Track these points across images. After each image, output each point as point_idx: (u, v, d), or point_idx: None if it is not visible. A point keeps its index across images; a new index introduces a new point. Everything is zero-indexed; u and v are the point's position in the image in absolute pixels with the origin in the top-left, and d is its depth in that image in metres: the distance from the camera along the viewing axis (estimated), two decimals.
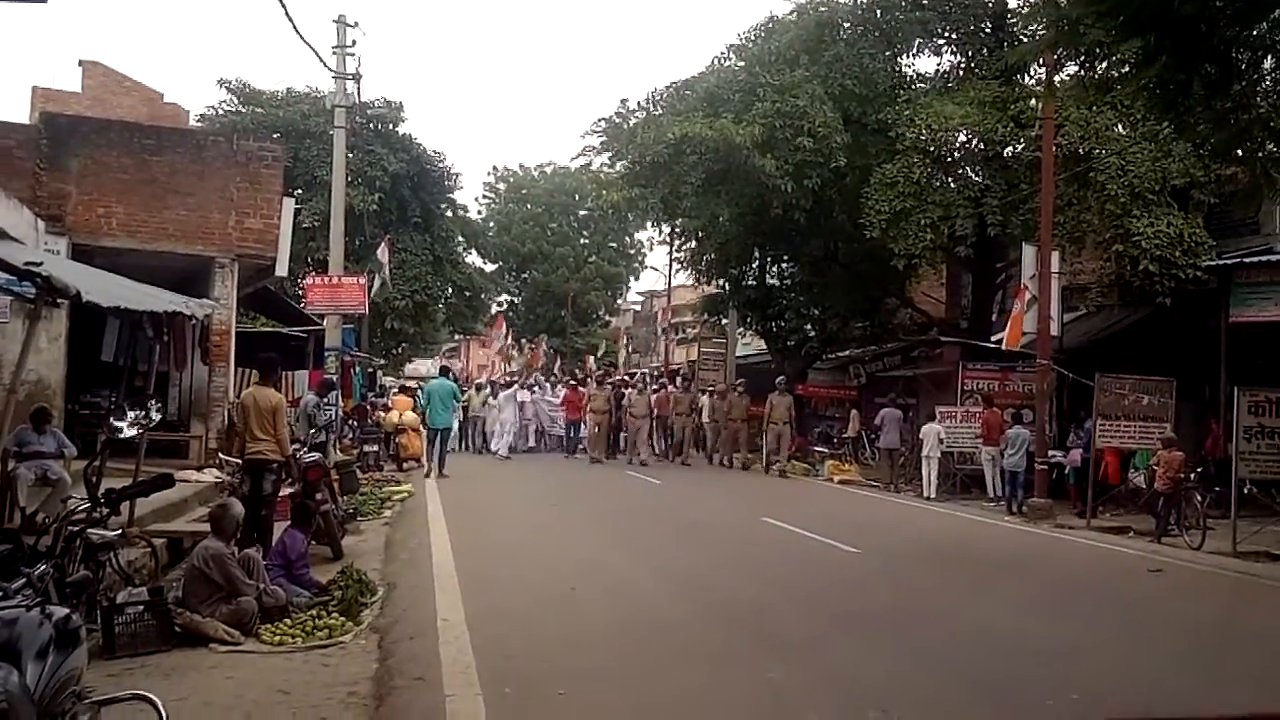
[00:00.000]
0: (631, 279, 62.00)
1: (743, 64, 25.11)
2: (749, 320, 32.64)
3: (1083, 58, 17.81)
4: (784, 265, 31.20)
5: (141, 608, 7.30)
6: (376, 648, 7.64)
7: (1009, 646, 8.36)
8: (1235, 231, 19.26)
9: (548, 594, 9.90)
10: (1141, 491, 16.96)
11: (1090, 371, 17.36)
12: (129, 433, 7.56)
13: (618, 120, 26.36)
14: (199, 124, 31.67)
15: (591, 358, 53.15)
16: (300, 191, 30.83)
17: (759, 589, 10.69)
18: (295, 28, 33.21)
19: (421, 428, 22.20)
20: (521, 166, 60.70)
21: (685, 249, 34.38)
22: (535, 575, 10.98)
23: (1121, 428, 16.97)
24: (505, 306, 59.34)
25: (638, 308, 65.40)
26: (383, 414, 24.02)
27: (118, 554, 7.70)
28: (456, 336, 60.85)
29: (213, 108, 35.38)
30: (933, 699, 6.89)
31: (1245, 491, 14.83)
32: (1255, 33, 8.85)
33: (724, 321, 36.06)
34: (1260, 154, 10.26)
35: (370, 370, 33.63)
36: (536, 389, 29.00)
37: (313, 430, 14.99)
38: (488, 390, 28.71)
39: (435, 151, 38.58)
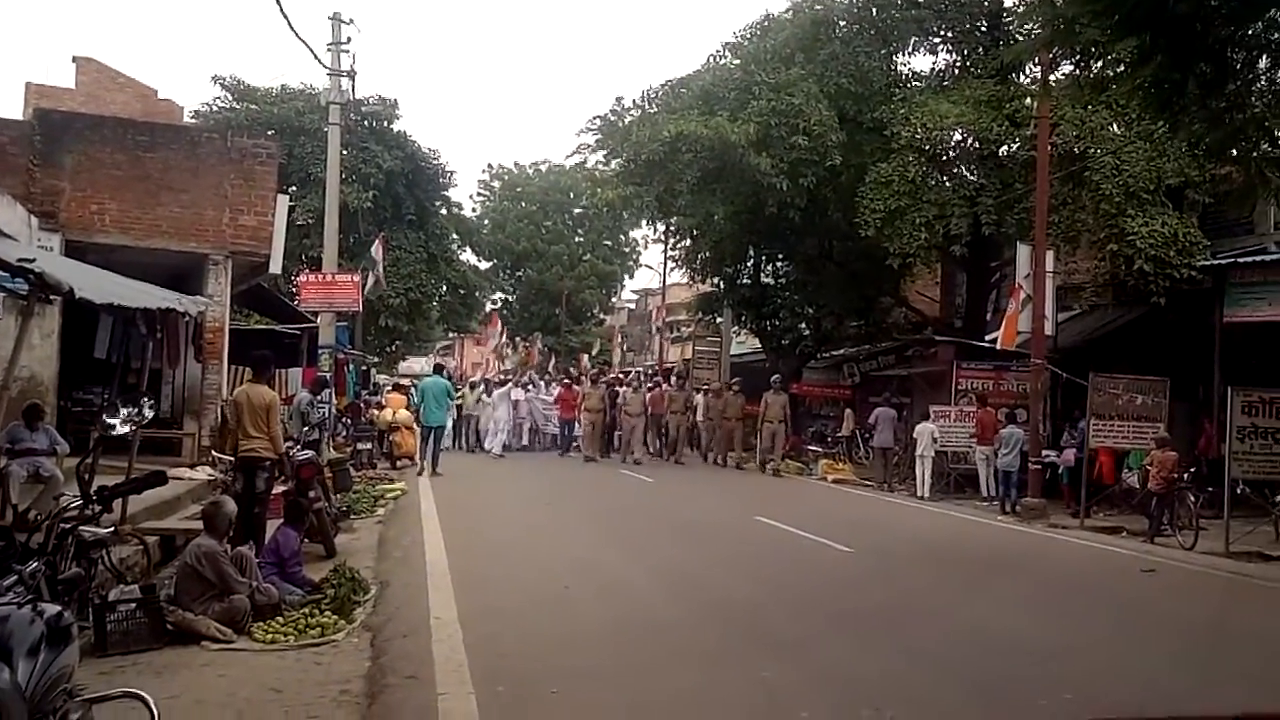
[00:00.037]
0: (626, 277, 62.10)
1: (738, 62, 25.11)
2: (744, 319, 32.65)
3: (1078, 57, 17.69)
4: (779, 264, 31.20)
5: (134, 605, 7.28)
6: (369, 646, 7.63)
7: (1002, 646, 8.37)
8: (1230, 231, 19.30)
9: (541, 592, 9.89)
10: (1135, 491, 16.98)
11: (1084, 371, 17.38)
12: (121, 430, 7.55)
13: (613, 118, 26.34)
14: (193, 120, 31.55)
15: (586, 356, 53.16)
16: (294, 188, 30.71)
17: (753, 588, 10.69)
18: (290, 24, 33.24)
19: (415, 426, 22.17)
20: (516, 164, 60.76)
21: (680, 247, 34.38)
22: (529, 574, 10.97)
23: (1115, 427, 17.00)
24: (500, 305, 59.33)
25: (632, 306, 65.43)
26: (376, 412, 24.00)
27: (110, 551, 7.67)
28: (451, 334, 60.84)
29: (207, 104, 35.32)
30: (926, 698, 6.89)
31: (1238, 492, 14.85)
32: (1250, 32, 8.85)
33: (719, 320, 36.06)
34: (1255, 154, 10.27)
35: (364, 368, 33.61)
36: (531, 387, 28.97)
37: (306, 428, 14.96)
38: (481, 388, 28.66)
39: (430, 149, 38.58)
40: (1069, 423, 19.43)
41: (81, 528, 6.56)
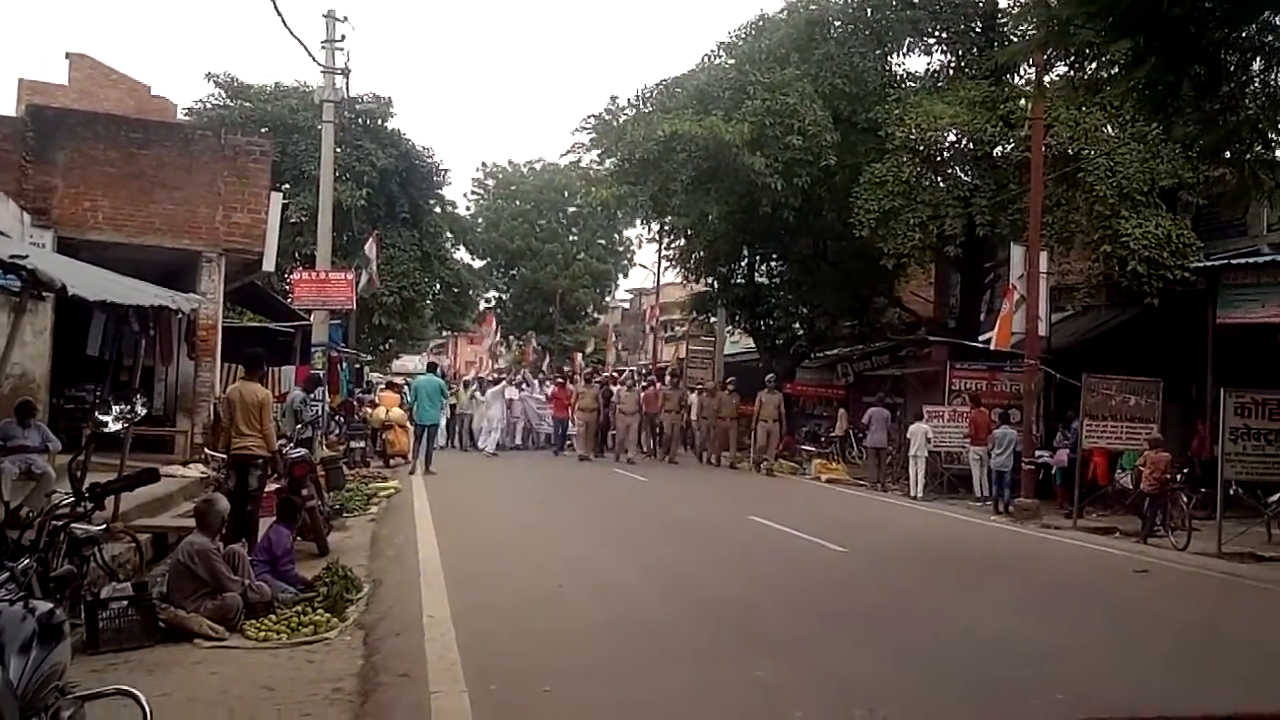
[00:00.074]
0: (620, 276, 62.03)
1: (733, 62, 25.12)
2: (737, 318, 32.65)
3: (1072, 58, 17.66)
4: (773, 263, 31.21)
5: (126, 603, 7.27)
6: (362, 644, 7.62)
7: (995, 646, 8.38)
8: (1223, 233, 19.34)
9: (534, 591, 9.89)
10: (1128, 492, 17.01)
11: (1077, 372, 17.41)
12: (114, 427, 7.52)
13: (607, 117, 26.31)
14: (186, 118, 31.50)
15: (579, 355, 53.14)
16: (288, 186, 30.70)
17: (746, 587, 10.69)
18: (284, 22, 32.97)
19: (409, 424, 22.14)
20: (510, 163, 60.58)
21: (674, 246, 34.39)
22: (522, 572, 10.96)
23: (1108, 428, 17.02)
24: (493, 303, 59.25)
25: (626, 305, 65.36)
26: (369, 410, 23.97)
27: (102, 549, 7.66)
28: (444, 333, 60.74)
29: (200, 101, 35.23)
30: (919, 698, 6.89)
31: (1231, 493, 14.88)
32: (1244, 34, 8.88)
33: (712, 319, 36.04)
34: (1248, 156, 10.30)
35: (357, 366, 33.56)
36: (525, 386, 28.95)
37: (299, 426, 14.95)
38: (475, 387, 28.64)
39: (424, 147, 38.56)
40: (1062, 423, 19.48)
41: (74, 525, 6.54)
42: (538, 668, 7.18)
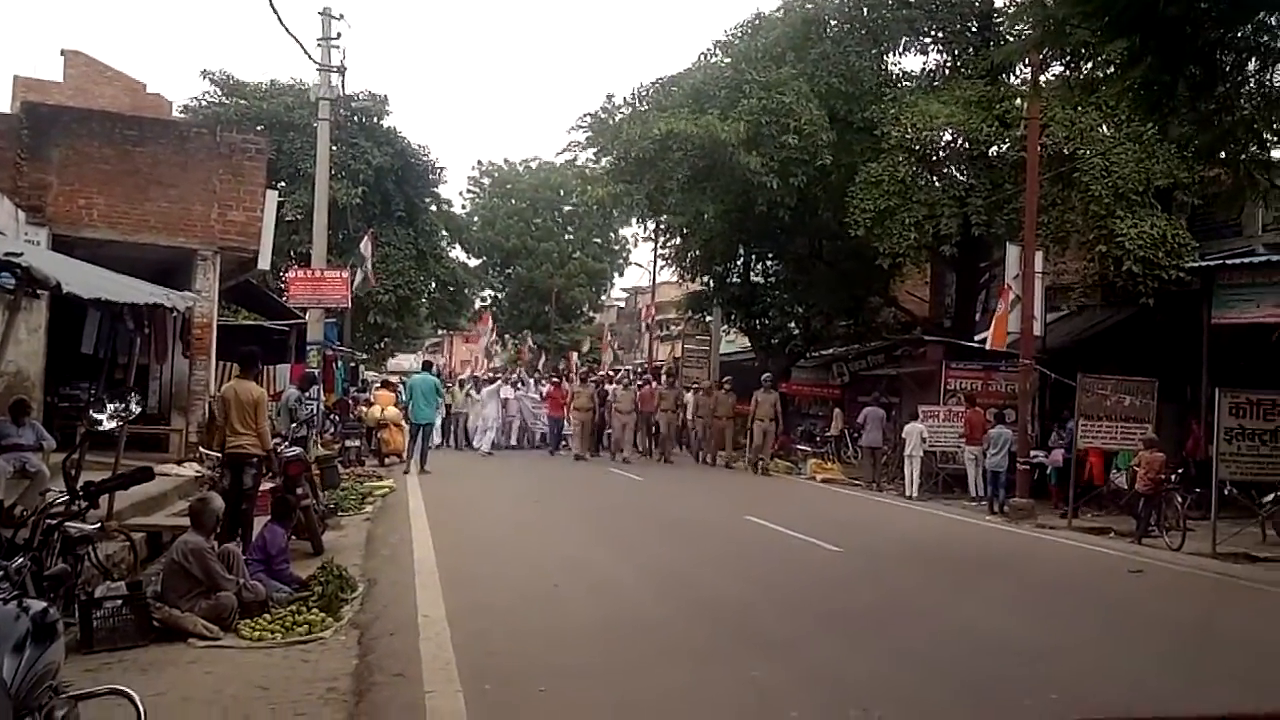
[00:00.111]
0: (616, 275, 62.01)
1: (729, 60, 25.14)
2: (733, 317, 32.67)
3: (1068, 58, 17.75)
4: (768, 263, 31.24)
5: (120, 602, 7.26)
6: (356, 644, 7.60)
7: (990, 646, 8.38)
8: (1218, 233, 19.38)
9: (529, 591, 9.88)
10: (1122, 492, 17.03)
11: (1073, 372, 17.43)
12: (108, 425, 7.52)
13: (603, 116, 26.31)
14: (182, 115, 31.44)
15: (575, 354, 53.11)
16: (283, 184, 30.71)
17: (742, 587, 10.69)
18: (280, 19, 32.98)
19: (404, 423, 22.12)
20: (506, 161, 60.62)
21: (670, 245, 34.39)
22: (517, 572, 10.95)
23: (1103, 428, 17.04)
24: (489, 302, 59.21)
25: (622, 304, 65.35)
26: (365, 409, 23.94)
27: (96, 547, 7.63)
28: (440, 331, 60.70)
29: (196, 99, 35.25)
30: (914, 698, 6.90)
31: (1225, 493, 14.90)
32: (1240, 35, 8.88)
33: (708, 319, 36.07)
34: (1243, 156, 10.29)
35: (352, 365, 33.52)
36: (520, 385, 28.92)
37: (294, 424, 14.93)
38: (470, 386, 28.61)
39: (420, 145, 38.63)
40: (1057, 423, 19.50)
41: (68, 523, 6.51)
42: (533, 667, 7.18)
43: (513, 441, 27.69)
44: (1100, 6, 8.17)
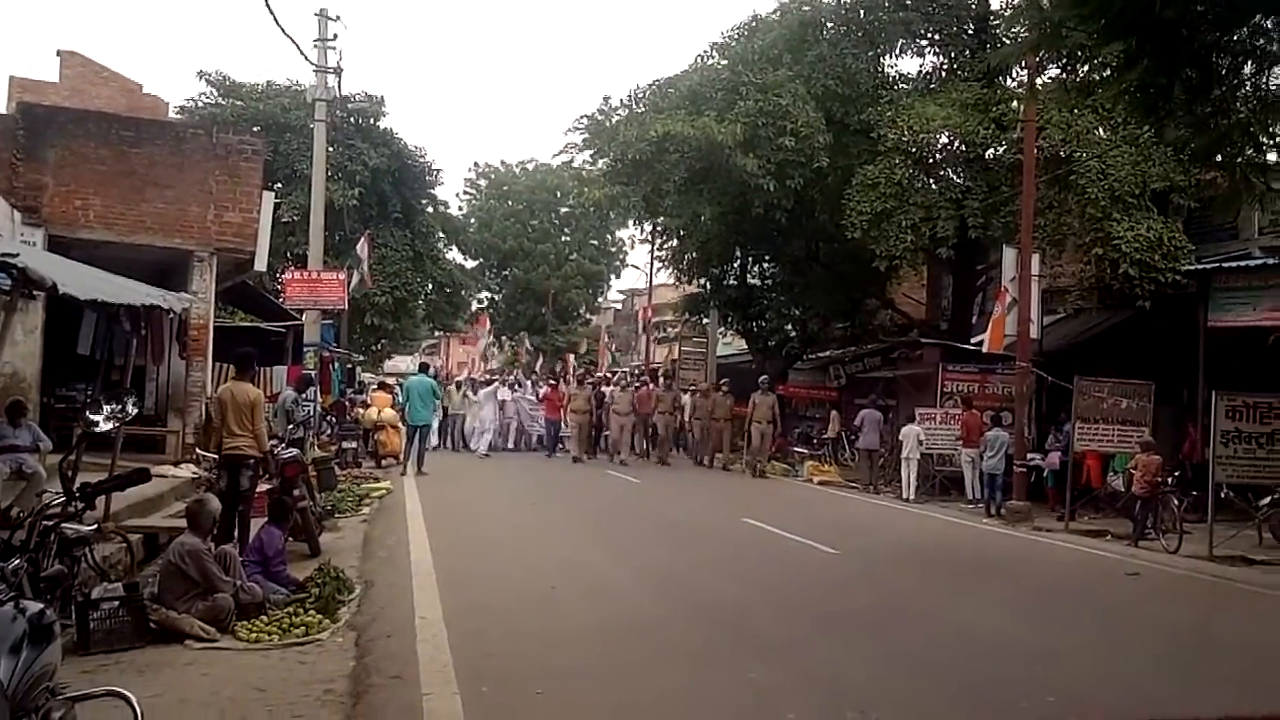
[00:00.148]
0: (612, 277, 62.03)
1: (726, 62, 25.14)
2: (730, 320, 32.66)
3: (1064, 61, 17.91)
4: (765, 265, 31.24)
5: (117, 603, 7.25)
6: (353, 645, 7.60)
7: (987, 649, 8.39)
8: (1214, 236, 19.40)
9: (527, 592, 9.88)
10: (1119, 495, 17.04)
11: (1069, 374, 17.43)
12: (105, 426, 7.51)
13: (600, 117, 26.31)
14: (178, 116, 31.38)
15: (572, 356, 53.13)
16: (280, 185, 30.62)
17: (739, 589, 10.70)
18: (276, 20, 32.95)
19: (400, 424, 22.11)
20: (503, 163, 60.57)
21: (667, 247, 34.39)
22: (514, 573, 10.96)
23: (1100, 431, 17.04)
24: (486, 304, 59.20)
25: (619, 306, 65.37)
26: (361, 410, 23.92)
27: (93, 549, 7.62)
28: (436, 333, 60.68)
29: (192, 100, 35.12)
30: (911, 700, 6.90)
31: (1222, 496, 14.90)
32: (1236, 38, 8.90)
33: (705, 321, 36.08)
34: (1240, 159, 10.31)
35: (349, 366, 33.52)
36: (518, 387, 28.92)
37: (291, 426, 14.91)
38: (467, 387, 28.61)
39: (416, 147, 38.52)
40: (1054, 426, 19.50)
41: (64, 525, 6.52)
42: (530, 669, 7.18)
43: (510, 444, 27.68)
44: (1097, 9, 8.18)
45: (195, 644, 7.34)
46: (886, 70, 25.01)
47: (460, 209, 55.80)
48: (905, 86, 24.29)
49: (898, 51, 24.76)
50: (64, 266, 10.69)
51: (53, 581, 6.11)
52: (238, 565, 8.28)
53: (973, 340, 22.38)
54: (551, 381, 30.42)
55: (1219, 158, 11.03)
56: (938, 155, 22.22)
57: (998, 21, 23.46)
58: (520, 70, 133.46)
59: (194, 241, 16.27)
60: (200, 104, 34.87)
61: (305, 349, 22.92)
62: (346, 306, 26.03)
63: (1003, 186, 20.85)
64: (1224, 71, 9.17)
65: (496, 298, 60.40)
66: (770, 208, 23.45)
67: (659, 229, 34.15)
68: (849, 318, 28.79)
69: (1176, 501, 14.88)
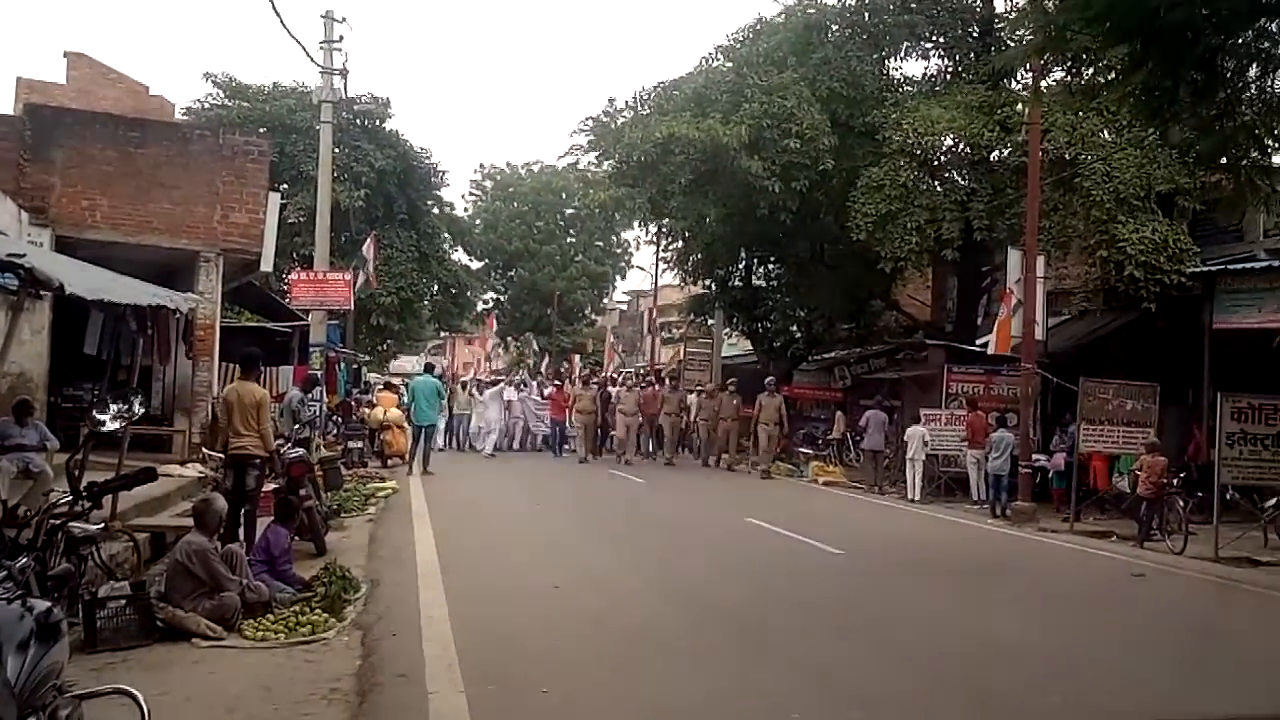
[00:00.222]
0: (618, 278, 62.08)
1: (731, 65, 25.14)
2: (735, 321, 32.67)
3: (1069, 63, 17.86)
4: (770, 266, 31.21)
5: (123, 602, 7.27)
6: (360, 644, 7.62)
7: (991, 649, 8.40)
8: (1219, 238, 19.40)
9: (532, 592, 9.90)
10: (1124, 496, 17.03)
11: (1074, 376, 17.43)
12: (111, 426, 7.50)
13: (605, 119, 26.35)
14: (185, 117, 31.50)
15: (577, 357, 53.15)
16: (286, 186, 30.72)
17: (744, 589, 10.70)
18: (282, 22, 33.09)
19: (406, 425, 22.13)
20: (509, 164, 60.65)
21: (672, 249, 34.42)
22: (519, 573, 10.97)
23: (1105, 432, 17.04)
24: (491, 304, 59.25)
25: (624, 307, 65.35)
26: (367, 410, 23.95)
27: (99, 548, 7.66)
28: (442, 334, 60.73)
29: (199, 101, 35.27)
30: (915, 700, 6.91)
31: (1227, 497, 14.90)
32: (1241, 40, 8.90)
33: (710, 322, 36.08)
34: (1245, 161, 10.32)
35: (355, 366, 33.55)
36: (523, 387, 28.93)
37: (297, 426, 14.93)
38: (472, 387, 28.63)
39: (422, 148, 38.62)
40: (1059, 427, 19.49)
41: (71, 524, 6.55)
42: (535, 668, 7.19)
43: (515, 444, 27.71)
44: (1101, 12, 8.19)
45: (202, 642, 7.36)
46: (891, 73, 25.03)
47: (466, 210, 55.94)
48: (910, 89, 24.29)
49: (902, 54, 24.79)
50: (71, 267, 10.72)
51: (60, 580, 6.14)
52: (244, 564, 8.31)
53: (978, 342, 22.37)
54: (556, 382, 30.42)
55: (1224, 160, 11.03)
56: (943, 157, 22.24)
57: (1002, 24, 23.48)
58: (526, 72, 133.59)
59: (200, 242, 16.32)
60: (206, 105, 34.99)
61: (311, 349, 22.96)
62: (352, 307, 26.06)
63: (1008, 189, 20.85)
64: (1229, 74, 9.17)
65: (502, 299, 60.46)
66: (775, 209, 23.44)
67: (664, 230, 34.18)
68: (854, 319, 28.76)
69: (1182, 503, 14.87)
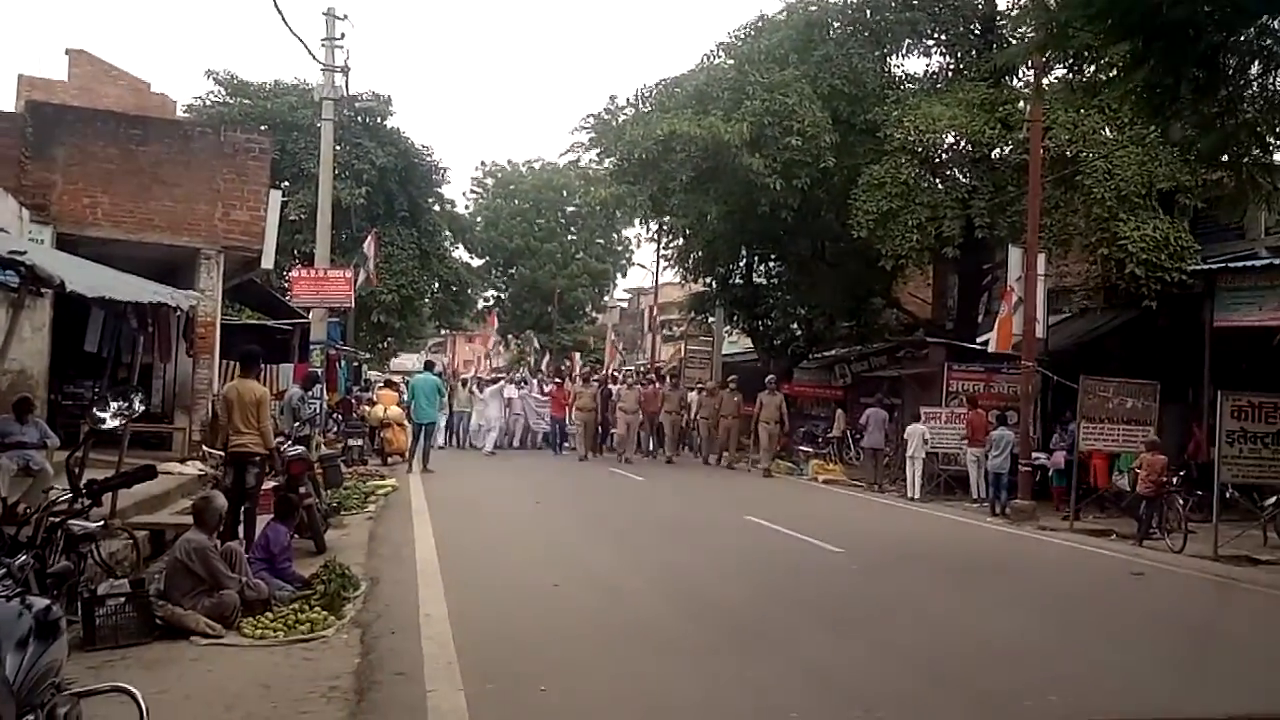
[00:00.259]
0: (619, 276, 62.07)
1: (732, 62, 25.11)
2: (735, 318, 32.65)
3: (1071, 61, 17.80)
4: (771, 264, 31.20)
5: (123, 599, 7.27)
6: (359, 642, 7.62)
7: (990, 648, 8.40)
8: (1220, 236, 19.39)
9: (531, 589, 9.90)
10: (1124, 494, 17.03)
11: (1075, 374, 17.42)
12: (112, 424, 7.51)
13: (607, 117, 26.32)
14: (186, 115, 31.46)
15: (578, 354, 53.16)
16: (287, 184, 30.71)
17: (742, 587, 10.70)
18: (284, 19, 33.21)
19: (406, 422, 22.13)
20: (510, 162, 60.60)
21: (673, 246, 34.40)
22: (519, 571, 10.97)
23: (1105, 430, 17.03)
24: (492, 302, 59.25)
25: (625, 305, 65.35)
26: (367, 408, 23.96)
27: (99, 545, 7.65)
28: (443, 331, 60.75)
29: (200, 98, 35.25)
30: (914, 699, 6.90)
31: (1227, 495, 14.90)
32: (1242, 38, 8.90)
33: (710, 320, 36.07)
34: (1246, 159, 10.32)
35: (356, 364, 33.55)
36: (524, 385, 28.93)
37: (297, 424, 14.94)
38: (472, 384, 28.63)
39: (423, 146, 38.64)
40: (1059, 425, 19.49)
41: (71, 521, 6.54)
42: (534, 666, 7.19)
43: (515, 442, 27.71)
44: (1103, 9, 8.19)
45: (201, 640, 7.36)
46: (893, 70, 25.00)
47: (467, 208, 55.90)
48: (912, 86, 24.27)
49: (904, 51, 24.75)
50: (72, 264, 10.73)
51: (59, 577, 6.13)
52: (243, 562, 8.31)
53: (978, 340, 22.36)
54: (557, 379, 30.42)
55: (1225, 158, 11.04)
56: (944, 155, 22.21)
57: (1004, 22, 23.44)
58: (527, 69, 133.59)
59: (201, 239, 16.34)
60: (208, 103, 34.99)
61: (312, 347, 22.97)
62: (353, 304, 26.09)
63: (1009, 186, 20.84)
64: (1231, 72, 9.17)
65: (502, 296, 60.43)
66: (776, 207, 23.42)
67: (665, 228, 34.16)
68: (855, 317, 28.72)
69: (1181, 501, 14.87)
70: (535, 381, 30.30)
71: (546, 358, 52.87)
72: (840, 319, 29.28)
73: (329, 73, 24.78)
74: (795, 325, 30.60)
